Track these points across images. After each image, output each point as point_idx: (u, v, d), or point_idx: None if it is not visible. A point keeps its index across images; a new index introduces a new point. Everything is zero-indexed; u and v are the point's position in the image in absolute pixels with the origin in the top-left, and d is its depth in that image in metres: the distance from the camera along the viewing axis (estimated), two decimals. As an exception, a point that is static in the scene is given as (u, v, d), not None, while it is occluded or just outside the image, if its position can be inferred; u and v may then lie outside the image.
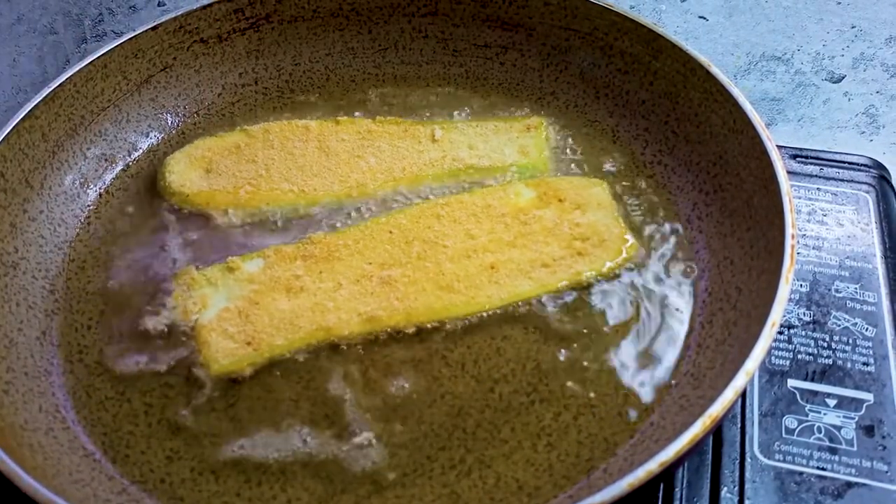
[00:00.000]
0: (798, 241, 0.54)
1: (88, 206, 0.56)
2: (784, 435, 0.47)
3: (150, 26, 0.59)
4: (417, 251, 0.51)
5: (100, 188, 0.57)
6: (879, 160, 0.63)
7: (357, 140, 0.59)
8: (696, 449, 0.37)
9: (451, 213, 0.53)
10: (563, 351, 0.47)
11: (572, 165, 0.58)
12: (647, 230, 0.53)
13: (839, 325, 0.52)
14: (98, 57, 0.57)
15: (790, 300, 0.53)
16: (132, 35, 0.59)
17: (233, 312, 0.48)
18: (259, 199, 0.55)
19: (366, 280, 0.49)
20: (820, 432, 0.47)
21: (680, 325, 0.48)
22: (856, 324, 0.52)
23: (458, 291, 0.49)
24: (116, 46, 0.58)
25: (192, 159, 0.57)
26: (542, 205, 0.54)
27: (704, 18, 0.78)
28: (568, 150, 0.59)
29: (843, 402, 0.48)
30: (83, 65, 0.56)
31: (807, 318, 0.52)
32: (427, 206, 0.54)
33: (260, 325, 0.47)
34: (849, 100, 0.80)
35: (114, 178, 0.58)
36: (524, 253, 0.51)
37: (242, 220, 0.54)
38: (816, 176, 0.62)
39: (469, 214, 0.53)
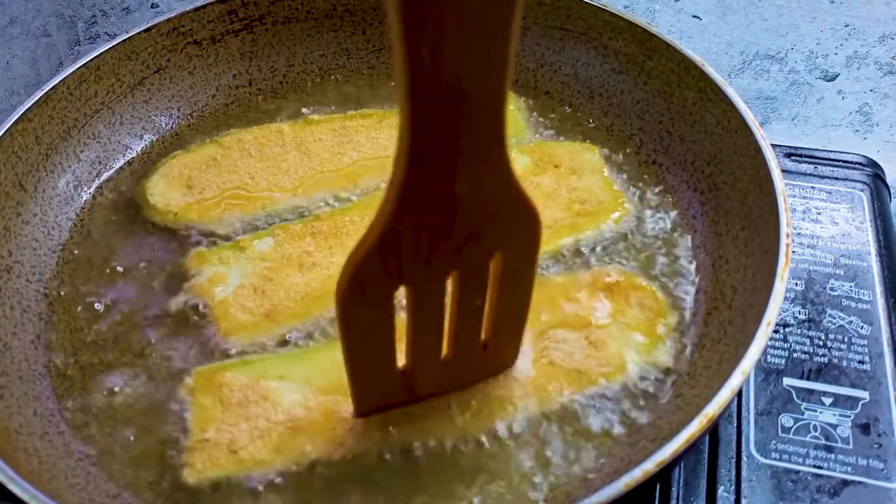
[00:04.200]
0: (793, 240, 0.54)
1: (82, 208, 0.56)
2: (780, 434, 0.47)
3: (143, 28, 0.59)
4: None
5: (93, 191, 0.57)
6: (873, 158, 0.63)
7: (334, 138, 0.59)
8: (692, 448, 0.37)
9: None
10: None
11: (567, 165, 0.58)
12: (643, 229, 0.53)
13: (834, 324, 0.52)
14: (91, 59, 0.57)
15: (785, 299, 0.53)
16: (125, 37, 0.58)
17: (248, 289, 0.49)
18: (251, 206, 0.54)
19: None
20: (816, 431, 0.47)
21: (675, 325, 0.48)
22: (851, 322, 0.52)
23: None
24: (110, 48, 0.58)
25: (170, 178, 0.56)
26: (540, 171, 0.56)
27: (698, 18, 0.78)
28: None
29: (838, 401, 0.48)
30: (76, 67, 0.56)
31: (802, 317, 0.52)
32: None
33: (276, 299, 0.48)
34: (843, 98, 0.80)
35: (107, 181, 0.57)
36: None
37: (239, 227, 0.54)
38: (811, 174, 0.62)
39: None
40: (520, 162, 0.56)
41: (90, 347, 0.48)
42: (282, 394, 0.44)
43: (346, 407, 0.43)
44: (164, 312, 0.49)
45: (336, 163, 0.57)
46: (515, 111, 0.61)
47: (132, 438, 0.44)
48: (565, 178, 0.55)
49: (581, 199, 0.54)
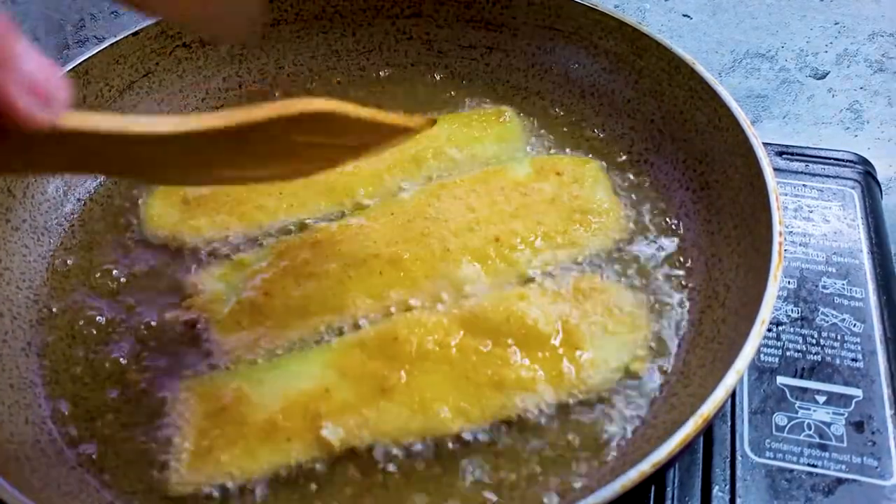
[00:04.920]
0: (785, 238, 0.54)
1: (72, 214, 0.55)
2: (774, 432, 0.47)
3: (131, 32, 0.59)
4: (420, 229, 0.51)
5: (82, 196, 0.56)
6: (864, 156, 0.63)
7: None
8: (688, 449, 0.37)
9: (450, 192, 0.54)
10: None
11: (559, 165, 0.57)
12: (635, 228, 0.53)
13: (827, 322, 0.52)
14: (79, 63, 0.56)
15: (778, 297, 0.53)
16: (114, 41, 0.58)
17: (245, 305, 0.48)
18: (249, 219, 0.54)
19: (373, 260, 0.49)
20: (810, 429, 0.47)
21: (669, 324, 0.48)
22: (844, 320, 0.52)
23: (464, 265, 0.49)
24: (98, 52, 0.57)
25: (167, 192, 0.55)
26: (541, 178, 0.55)
27: (688, 17, 0.78)
28: (553, 150, 0.59)
29: (832, 399, 0.48)
30: (64, 71, 0.56)
31: (795, 315, 0.53)
32: (425, 189, 0.54)
33: (273, 315, 0.48)
34: (833, 96, 0.80)
35: (97, 186, 0.57)
36: (526, 224, 0.51)
37: (236, 242, 0.53)
38: (802, 172, 0.62)
39: (468, 191, 0.54)
40: (521, 171, 0.55)
41: (82, 357, 0.47)
42: (260, 398, 0.44)
43: (327, 407, 0.43)
44: (159, 326, 0.48)
45: (334, 174, 0.56)
46: (515, 127, 0.60)
47: (123, 448, 0.43)
48: (567, 186, 0.54)
49: (582, 208, 0.53)
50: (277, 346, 0.47)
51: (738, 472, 0.45)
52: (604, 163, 0.57)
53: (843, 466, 0.45)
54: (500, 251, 0.50)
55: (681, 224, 0.53)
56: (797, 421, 0.47)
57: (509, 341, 0.45)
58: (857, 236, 0.57)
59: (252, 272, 0.50)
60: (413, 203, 0.53)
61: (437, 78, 0.65)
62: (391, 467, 0.42)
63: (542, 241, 0.51)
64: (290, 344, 0.47)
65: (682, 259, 0.51)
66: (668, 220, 0.53)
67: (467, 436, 0.42)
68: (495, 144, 0.58)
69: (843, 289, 0.54)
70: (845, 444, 0.46)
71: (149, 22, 0.59)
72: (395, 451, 0.42)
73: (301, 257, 0.50)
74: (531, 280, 0.49)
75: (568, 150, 0.58)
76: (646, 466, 0.36)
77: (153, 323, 0.48)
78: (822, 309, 0.53)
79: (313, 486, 0.41)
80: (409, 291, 0.48)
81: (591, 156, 0.58)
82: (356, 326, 0.47)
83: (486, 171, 0.56)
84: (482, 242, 0.50)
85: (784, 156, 0.63)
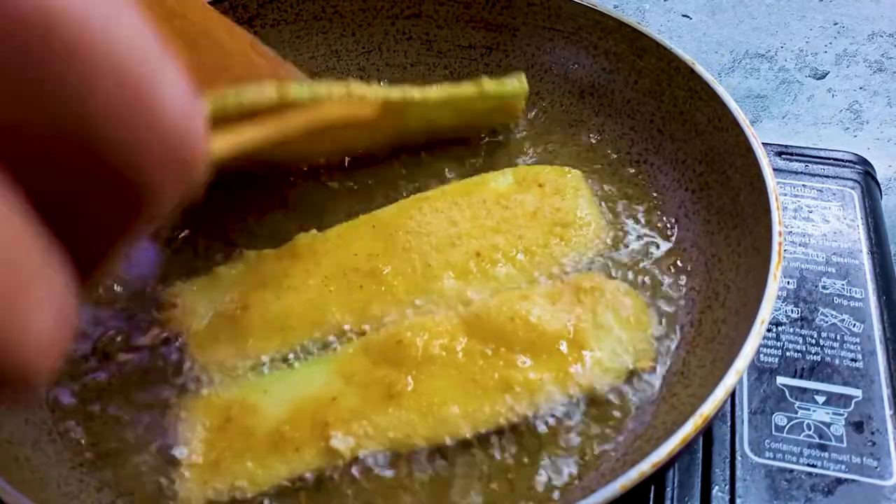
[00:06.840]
0: (785, 238, 0.54)
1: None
2: (774, 433, 0.47)
3: (131, 32, 0.59)
4: (402, 243, 0.50)
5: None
6: (864, 156, 0.63)
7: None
8: (687, 449, 0.37)
9: (432, 204, 0.53)
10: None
11: (556, 164, 0.57)
12: (635, 229, 0.53)
13: (827, 322, 0.52)
14: (79, 63, 0.56)
15: (778, 297, 0.53)
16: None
17: (223, 319, 0.47)
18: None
19: (353, 273, 0.49)
20: (809, 429, 0.47)
21: (669, 324, 0.48)
22: (843, 320, 0.52)
23: (445, 281, 0.49)
24: (98, 53, 0.57)
25: None
26: (523, 190, 0.54)
27: (688, 17, 0.78)
28: (552, 151, 0.59)
29: (831, 399, 0.48)
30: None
31: (795, 315, 0.53)
32: (406, 202, 0.54)
33: (252, 329, 0.47)
34: (832, 96, 0.80)
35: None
36: (507, 238, 0.51)
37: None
38: (802, 173, 0.62)
39: (450, 203, 0.53)
40: (503, 181, 0.54)
41: (82, 357, 0.47)
42: (266, 408, 0.43)
43: (334, 415, 0.43)
44: (142, 342, 0.48)
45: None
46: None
47: (124, 448, 0.43)
48: (549, 198, 0.53)
49: (563, 221, 0.52)
50: (260, 359, 0.46)
51: (738, 473, 0.45)
52: (596, 167, 0.57)
53: (843, 466, 0.45)
54: (481, 266, 0.49)
55: (680, 224, 0.53)
56: (797, 421, 0.47)
57: (514, 343, 0.45)
58: (857, 236, 0.57)
59: (230, 284, 0.49)
60: (394, 216, 0.52)
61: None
62: (403, 473, 0.41)
63: (522, 256, 0.50)
64: (275, 359, 0.46)
65: (681, 259, 0.51)
66: (667, 220, 0.53)
67: (475, 439, 0.42)
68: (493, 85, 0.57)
69: (843, 289, 0.54)
70: (845, 445, 0.46)
71: (148, 22, 0.59)
72: (405, 457, 0.42)
73: (280, 270, 0.49)
74: (531, 282, 0.49)
75: (567, 151, 0.58)
76: (645, 466, 0.36)
77: (138, 339, 0.48)
78: (821, 309, 0.53)
79: (325, 495, 0.41)
80: (391, 307, 0.48)
81: (590, 155, 0.58)
82: (342, 339, 0.47)
83: (467, 183, 0.55)
84: (463, 258, 0.50)
85: (783, 156, 0.63)
